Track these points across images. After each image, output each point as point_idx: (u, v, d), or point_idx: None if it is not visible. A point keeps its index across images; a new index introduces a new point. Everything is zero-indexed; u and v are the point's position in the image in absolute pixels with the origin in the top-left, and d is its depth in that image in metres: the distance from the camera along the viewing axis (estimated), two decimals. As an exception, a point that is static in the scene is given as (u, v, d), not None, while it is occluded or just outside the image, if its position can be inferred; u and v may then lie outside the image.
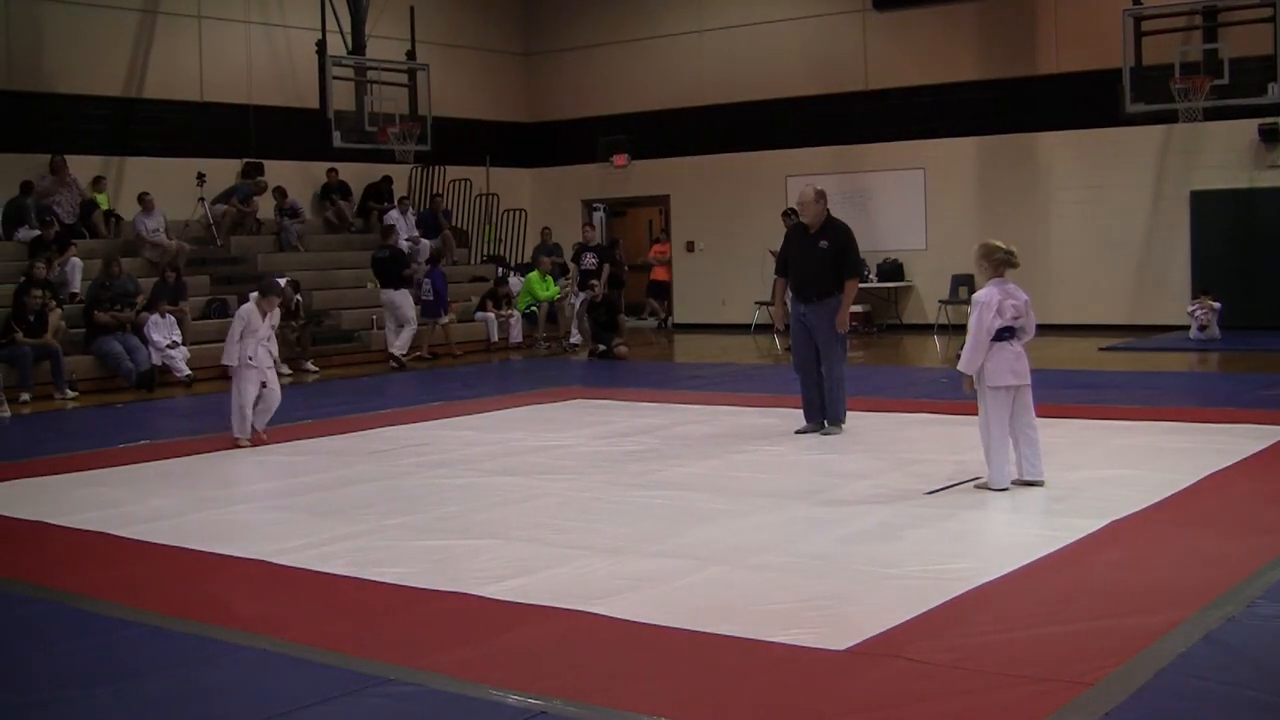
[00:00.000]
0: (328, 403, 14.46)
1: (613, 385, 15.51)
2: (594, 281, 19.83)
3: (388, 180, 23.62)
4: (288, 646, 5.42)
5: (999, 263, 8.16)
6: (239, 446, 10.90)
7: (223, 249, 20.59)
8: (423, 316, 19.97)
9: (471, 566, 6.63)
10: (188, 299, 18.12)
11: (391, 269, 19.66)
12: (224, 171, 21.27)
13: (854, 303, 11.25)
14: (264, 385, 11.02)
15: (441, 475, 9.47)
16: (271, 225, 21.65)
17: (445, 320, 20.25)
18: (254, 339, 10.93)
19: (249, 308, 11.03)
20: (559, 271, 22.00)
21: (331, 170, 22.78)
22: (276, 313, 11.24)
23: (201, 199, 20.58)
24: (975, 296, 8.18)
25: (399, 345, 19.25)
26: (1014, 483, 8.19)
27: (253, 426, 11.06)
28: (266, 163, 21.90)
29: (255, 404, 11.04)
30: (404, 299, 19.64)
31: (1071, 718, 4.37)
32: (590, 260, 20.36)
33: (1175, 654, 4.95)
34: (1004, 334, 8.10)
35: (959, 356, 8.36)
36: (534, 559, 6.73)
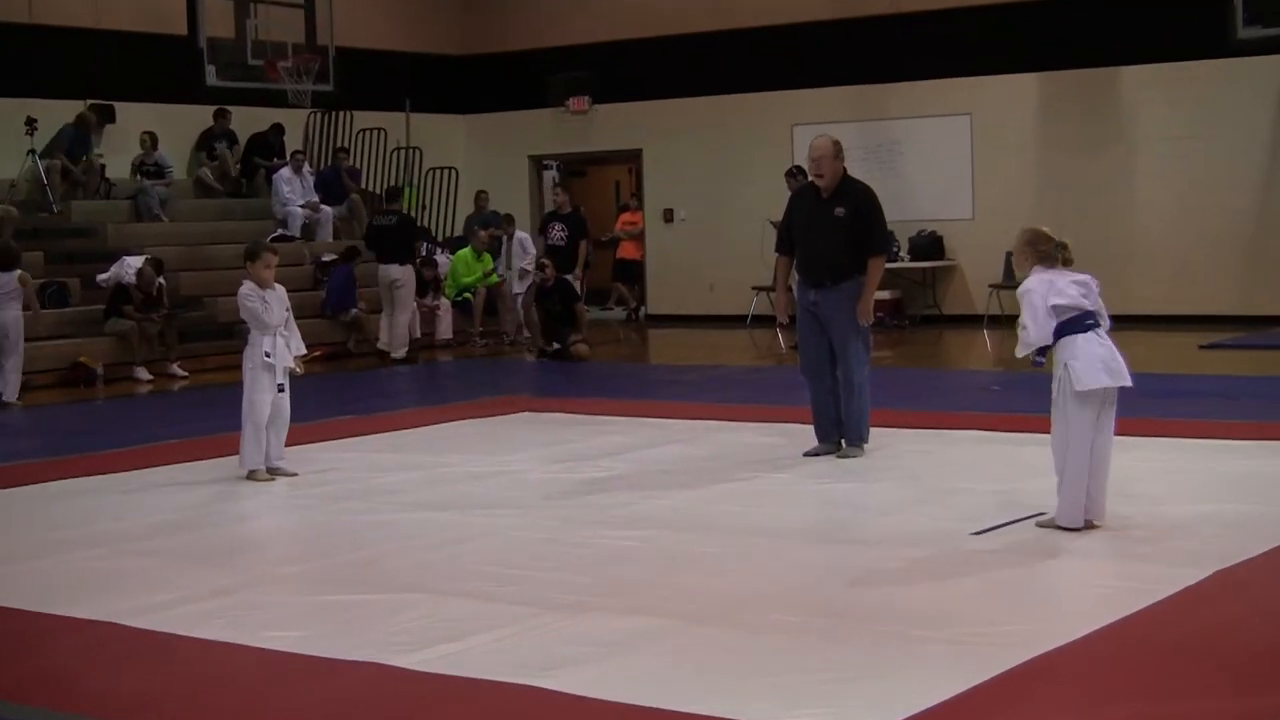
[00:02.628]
0: (200, 416, 14.40)
1: (570, 394, 15.49)
2: (545, 261, 19.73)
3: (278, 130, 23.52)
4: (151, 733, 5.39)
5: (1044, 256, 8.16)
6: (255, 480, 10.50)
7: (61, 216, 20.48)
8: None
9: (389, 629, 6.61)
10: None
11: (398, 240, 20.01)
12: (63, 116, 21.13)
13: (879, 287, 11.27)
14: (280, 390, 10.56)
15: (350, 510, 9.43)
16: (128, 186, 21.54)
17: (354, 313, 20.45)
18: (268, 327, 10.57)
19: (248, 286, 10.53)
20: (497, 247, 22.01)
21: (222, 111, 22.58)
22: (282, 292, 10.68)
23: (32, 151, 20.47)
24: (1024, 285, 8.17)
25: (396, 341, 19.77)
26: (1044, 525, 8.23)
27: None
28: (119, 105, 21.78)
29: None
30: (410, 277, 20.00)
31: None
32: (558, 233, 20.19)
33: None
34: (1086, 323, 8.08)
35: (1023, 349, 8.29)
36: (471, 618, 6.72)
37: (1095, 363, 7.98)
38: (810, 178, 11.01)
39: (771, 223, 19.29)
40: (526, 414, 13.99)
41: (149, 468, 11.30)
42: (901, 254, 22.47)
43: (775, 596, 7.02)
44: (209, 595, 7.34)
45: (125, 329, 18.19)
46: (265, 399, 10.52)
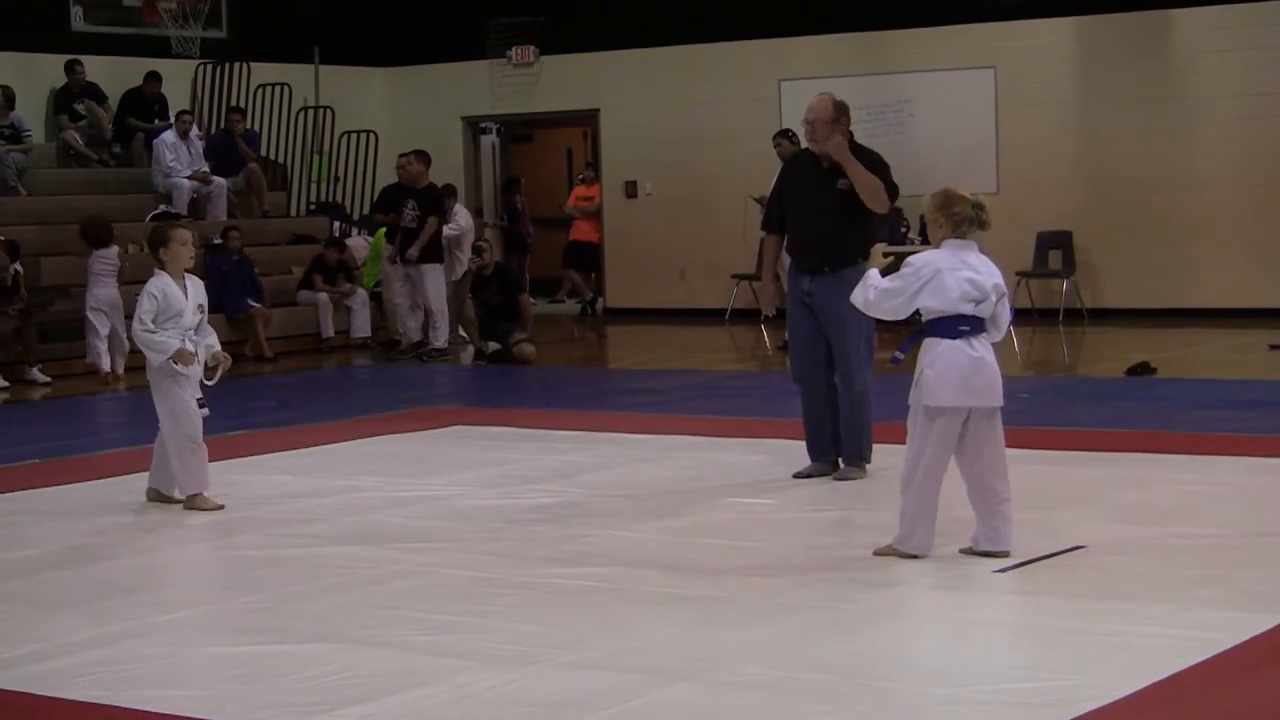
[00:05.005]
0: (64, 432, 14.34)
1: (512, 404, 15.50)
2: (484, 243, 19.72)
3: (154, 79, 23.33)
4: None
5: (961, 221, 8.52)
6: (200, 509, 10.30)
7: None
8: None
9: (293, 686, 6.60)
10: None
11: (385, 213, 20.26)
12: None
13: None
14: (201, 405, 10.41)
15: (246, 545, 9.42)
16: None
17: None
18: (177, 328, 10.34)
19: (161, 281, 10.35)
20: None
21: (76, 64, 22.50)
22: (200, 285, 10.58)
23: None
24: (918, 257, 8.48)
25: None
26: (964, 552, 8.43)
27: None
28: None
29: None
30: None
31: None
32: (410, 212, 20.09)
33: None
34: (959, 328, 8.36)
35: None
36: (391, 674, 6.72)
37: (951, 374, 8.34)
38: (806, 144, 10.97)
39: (755, 199, 19.36)
40: (459, 428, 13.97)
41: None
42: (911, 235, 22.46)
43: (760, 648, 7.01)
44: (75, 648, 7.29)
45: (-27, 326, 18.14)
46: (190, 406, 10.32)
